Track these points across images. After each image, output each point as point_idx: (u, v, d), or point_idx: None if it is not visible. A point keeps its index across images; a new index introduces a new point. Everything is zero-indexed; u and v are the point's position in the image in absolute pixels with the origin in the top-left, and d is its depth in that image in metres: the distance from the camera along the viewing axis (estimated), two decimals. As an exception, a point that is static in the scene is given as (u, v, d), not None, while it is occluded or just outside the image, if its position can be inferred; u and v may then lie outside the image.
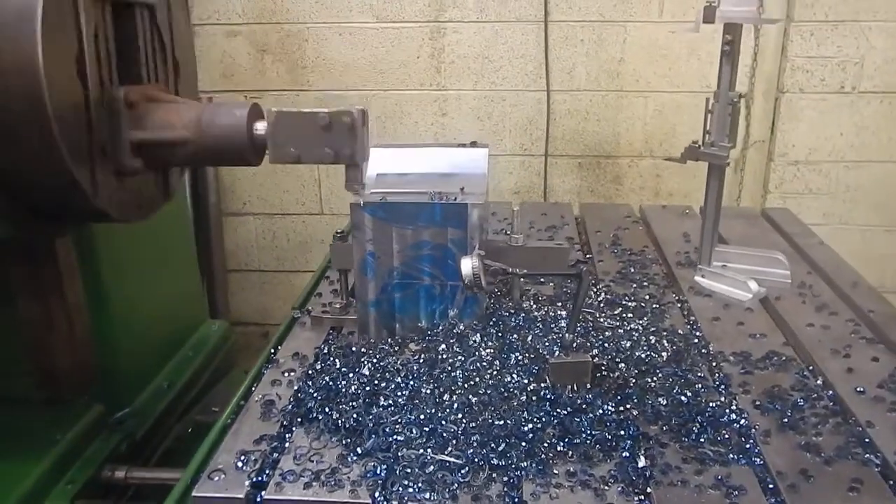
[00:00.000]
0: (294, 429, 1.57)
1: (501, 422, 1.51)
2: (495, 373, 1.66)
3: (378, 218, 1.79)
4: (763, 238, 2.62)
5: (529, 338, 1.80)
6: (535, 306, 1.98)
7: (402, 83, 3.63)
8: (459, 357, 1.72)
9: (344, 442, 1.51)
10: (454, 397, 1.59)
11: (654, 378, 1.70)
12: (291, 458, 1.47)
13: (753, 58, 3.52)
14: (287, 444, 1.52)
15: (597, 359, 1.74)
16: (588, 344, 1.80)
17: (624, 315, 1.99)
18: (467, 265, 1.60)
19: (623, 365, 1.74)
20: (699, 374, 1.73)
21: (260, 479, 1.42)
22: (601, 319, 1.96)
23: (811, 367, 1.81)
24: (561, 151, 3.69)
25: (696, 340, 1.90)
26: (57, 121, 1.44)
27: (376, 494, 1.36)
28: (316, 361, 1.81)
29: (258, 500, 1.38)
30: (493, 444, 1.45)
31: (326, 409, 1.58)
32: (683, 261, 2.39)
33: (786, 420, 1.57)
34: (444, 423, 1.51)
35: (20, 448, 2.05)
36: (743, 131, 3.61)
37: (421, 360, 1.73)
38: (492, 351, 1.75)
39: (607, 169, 3.71)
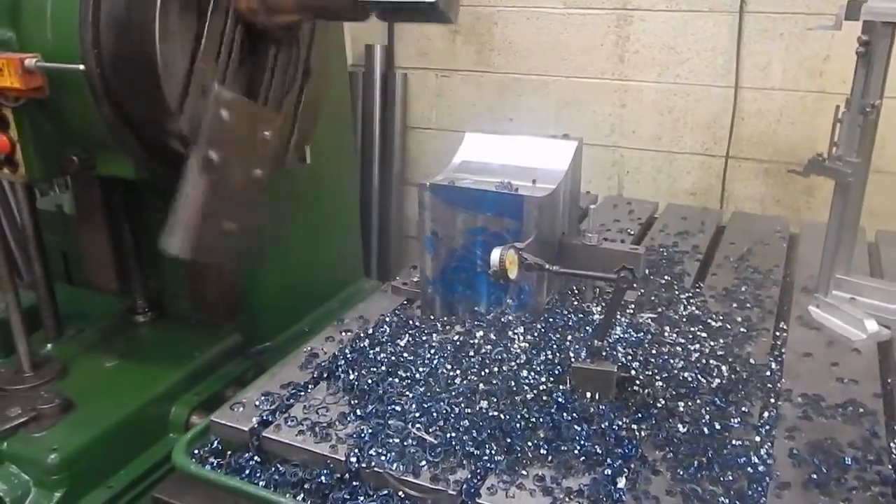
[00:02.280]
0: (321, 382, 1.71)
1: (496, 413, 1.52)
2: (515, 366, 1.66)
3: (441, 199, 1.85)
4: (934, 275, 2.24)
5: (569, 338, 1.76)
6: (598, 309, 1.92)
7: (583, 71, 3.57)
8: (489, 345, 1.73)
9: (351, 402, 1.62)
10: (465, 381, 1.62)
11: (689, 403, 1.58)
12: (302, 407, 1.61)
13: None
14: (304, 394, 1.67)
15: (633, 372, 1.66)
16: (630, 355, 1.72)
17: (697, 333, 1.85)
18: (495, 256, 1.61)
19: (661, 384, 1.64)
20: (744, 409, 1.58)
21: (268, 418, 1.59)
22: (665, 333, 1.84)
23: (896, 428, 1.56)
24: (746, 154, 3.40)
25: (767, 373, 1.72)
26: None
27: (350, 454, 1.45)
28: (371, 326, 1.93)
29: (258, 435, 1.54)
30: (475, 432, 1.47)
31: (351, 370, 1.70)
32: (812, 287, 2.13)
33: (816, 476, 1.39)
34: (442, 403, 1.55)
35: (165, 357, 2.41)
36: None
37: (457, 342, 1.77)
38: (526, 345, 1.74)
39: (798, 178, 3.32)
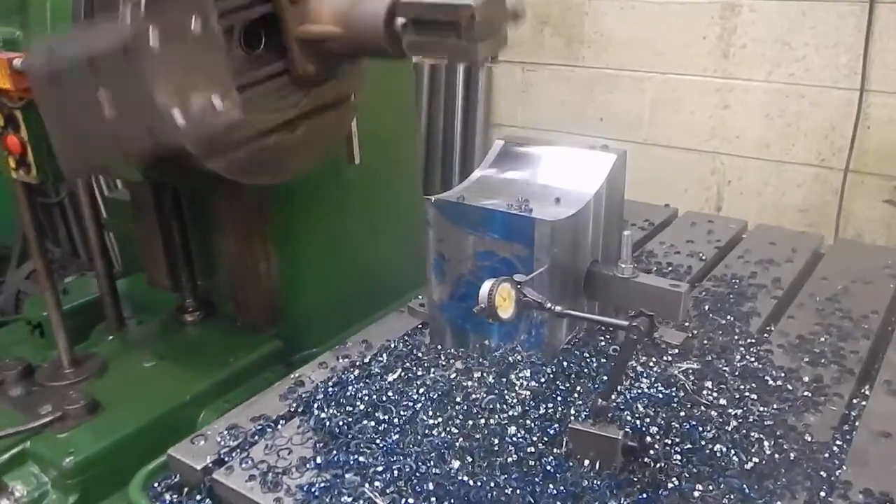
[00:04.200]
0: (295, 417, 1.55)
1: (467, 478, 1.29)
2: (506, 420, 1.42)
3: (447, 217, 1.63)
4: None
5: (578, 389, 1.50)
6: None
7: (682, 67, 3.20)
8: (483, 390, 1.50)
9: (317, 446, 1.44)
10: (443, 433, 1.40)
11: (711, 487, 1.29)
12: (264, 447, 1.45)
13: None
14: (272, 431, 1.51)
15: (649, 440, 1.38)
16: (650, 417, 1.43)
17: (746, 394, 1.53)
18: (484, 290, 1.37)
19: (680, 457, 1.35)
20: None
21: (225, 457, 1.44)
22: (705, 391, 1.53)
23: None
24: (870, 169, 2.92)
25: (824, 455, 1.38)
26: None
27: (294, 511, 1.28)
28: (370, 354, 1.75)
29: (208, 476, 1.40)
30: (435, 500, 1.25)
31: (326, 407, 1.52)
32: (914, 343, 1.74)
33: None
34: (410, 458, 1.34)
35: (201, 361, 2.33)
36: None
37: (451, 382, 1.55)
38: (528, 394, 1.49)
39: (934, 199, 2.84)
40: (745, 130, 3.13)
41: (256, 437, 1.49)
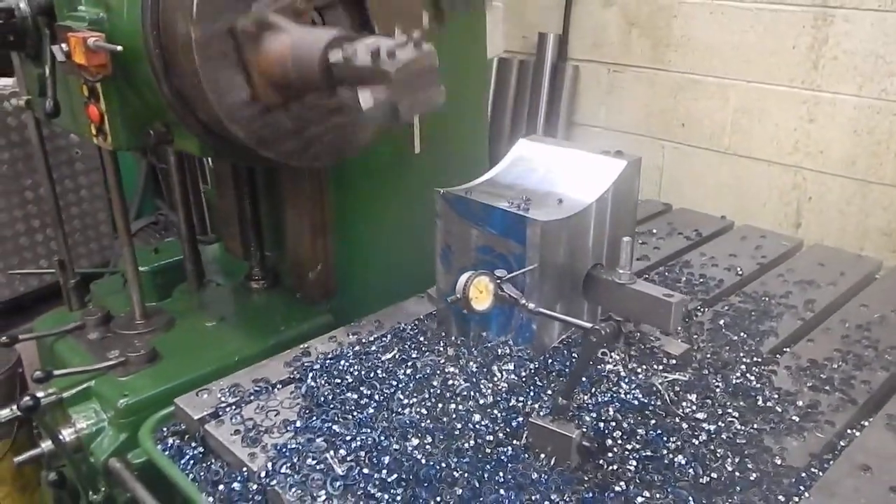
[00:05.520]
0: (292, 383, 1.67)
1: (421, 456, 1.37)
2: (473, 407, 1.48)
3: (455, 210, 1.70)
4: None
5: (554, 386, 1.53)
6: (620, 358, 1.64)
7: (769, 76, 3.07)
8: (462, 377, 1.56)
9: (301, 411, 1.55)
10: (411, 412, 1.48)
11: (658, 496, 1.30)
12: (255, 406, 1.58)
13: None
14: (268, 393, 1.63)
15: (609, 442, 1.40)
16: (615, 421, 1.44)
17: (728, 410, 1.51)
18: (460, 282, 1.44)
19: (636, 464, 1.36)
20: (725, 521, 1.25)
21: (220, 412, 1.58)
22: (686, 404, 1.52)
23: None
24: (965, 194, 2.71)
25: (790, 480, 1.35)
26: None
27: (263, 468, 1.39)
28: (378, 333, 1.84)
29: (202, 426, 1.55)
30: (385, 472, 1.34)
31: (318, 378, 1.63)
32: (936, 380, 1.64)
33: None
34: (376, 431, 1.43)
35: (256, 326, 2.51)
36: None
37: (436, 366, 1.63)
38: (505, 386, 1.54)
39: None
40: (831, 146, 2.97)
41: (252, 397, 1.62)
